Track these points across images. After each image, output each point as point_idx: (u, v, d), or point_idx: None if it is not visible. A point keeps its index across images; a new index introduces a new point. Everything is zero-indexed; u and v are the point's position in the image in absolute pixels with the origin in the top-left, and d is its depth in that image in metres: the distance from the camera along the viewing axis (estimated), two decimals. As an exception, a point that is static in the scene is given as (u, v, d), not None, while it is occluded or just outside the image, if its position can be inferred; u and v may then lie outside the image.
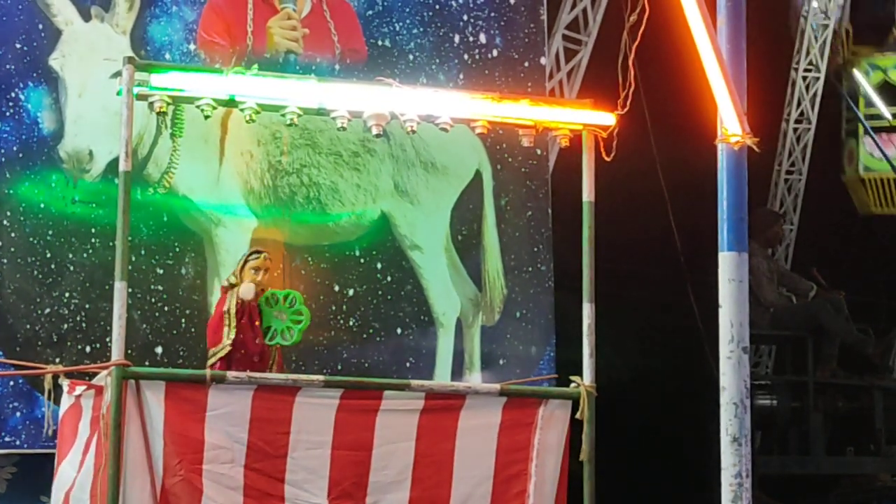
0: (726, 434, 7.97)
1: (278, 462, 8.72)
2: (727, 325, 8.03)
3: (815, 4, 16.40)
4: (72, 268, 10.05)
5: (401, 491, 8.92)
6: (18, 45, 10.07)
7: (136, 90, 8.64)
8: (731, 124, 8.07)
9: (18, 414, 9.81)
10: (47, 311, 9.96)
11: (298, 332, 9.30)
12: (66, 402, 8.92)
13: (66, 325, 9.98)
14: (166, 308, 10.33)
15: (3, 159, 9.95)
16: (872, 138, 16.92)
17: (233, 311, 9.23)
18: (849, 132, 17.73)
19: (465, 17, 11.60)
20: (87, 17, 10.31)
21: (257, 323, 9.30)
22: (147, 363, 9.87)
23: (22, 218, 9.96)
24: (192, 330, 10.35)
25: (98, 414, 8.56)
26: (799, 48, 16.44)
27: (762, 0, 10.00)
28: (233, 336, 9.22)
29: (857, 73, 17.10)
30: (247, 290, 9.23)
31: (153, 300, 10.29)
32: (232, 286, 9.34)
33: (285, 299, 9.32)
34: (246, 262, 9.39)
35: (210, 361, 9.28)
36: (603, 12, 12.91)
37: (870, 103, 17.11)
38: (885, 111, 17.14)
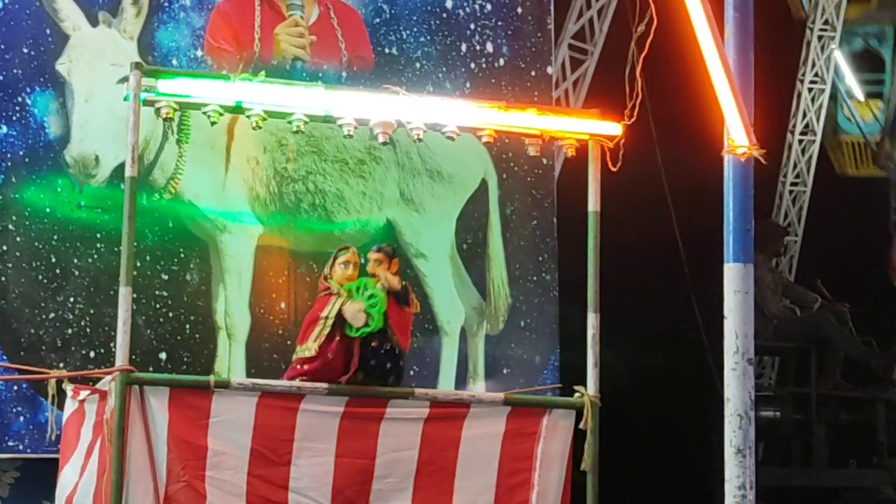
0: (730, 445, 7.97)
1: (282, 469, 8.72)
2: (732, 337, 8.03)
3: (820, 16, 16.41)
4: (77, 273, 10.05)
5: (403, 499, 8.92)
6: (26, 50, 10.08)
7: (142, 96, 8.66)
8: (737, 135, 8.08)
9: (22, 419, 9.80)
10: (52, 315, 9.96)
11: (377, 314, 9.05)
12: (69, 406, 8.94)
13: (70, 330, 9.98)
14: (171, 314, 10.33)
15: (10, 164, 9.95)
16: (847, 106, 17.06)
17: (331, 320, 9.08)
18: (829, 96, 17.78)
19: (473, 26, 11.61)
20: (94, 22, 10.31)
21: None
22: (151, 369, 9.88)
23: (27, 223, 9.96)
24: (197, 336, 10.35)
25: (101, 419, 8.58)
26: (805, 59, 16.44)
27: (768, 11, 9.99)
28: (322, 340, 9.07)
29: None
30: (355, 317, 9.05)
31: (158, 306, 10.28)
32: (328, 288, 9.19)
33: (358, 289, 9.16)
34: (335, 257, 9.29)
35: (295, 356, 9.21)
36: (609, 22, 12.93)
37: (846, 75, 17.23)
38: (857, 83, 17.32)
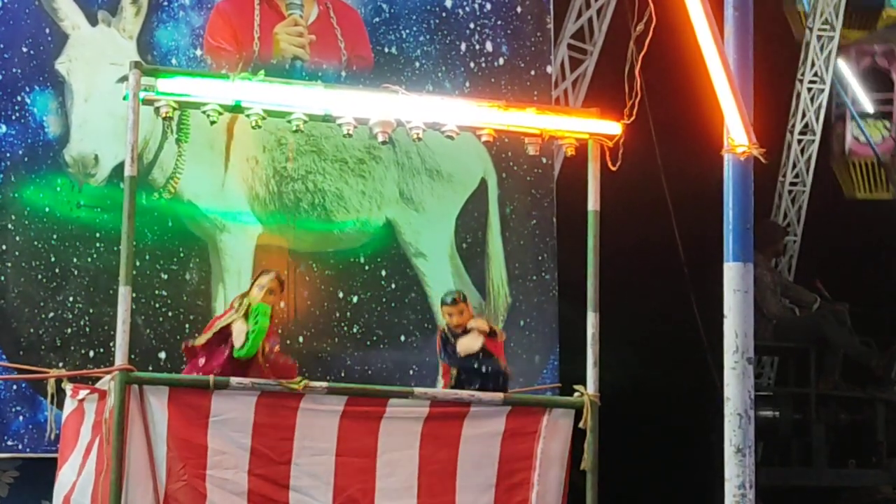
0: (730, 445, 7.97)
1: (282, 468, 8.72)
2: (732, 336, 8.03)
3: (819, 16, 16.40)
4: (76, 272, 10.05)
5: (407, 498, 8.92)
6: (25, 49, 10.07)
7: (142, 95, 8.66)
8: (737, 135, 8.08)
9: (21, 418, 9.80)
10: (51, 315, 9.95)
11: (252, 340, 8.91)
12: (68, 406, 8.93)
13: (69, 330, 9.98)
14: (170, 313, 10.32)
15: (9, 163, 9.95)
16: (858, 123, 17.10)
17: (215, 329, 9.08)
18: (837, 116, 17.85)
19: (472, 26, 11.61)
20: (93, 21, 10.31)
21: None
22: (150, 368, 9.88)
23: (27, 222, 9.95)
24: (196, 335, 10.32)
25: (101, 418, 8.57)
26: (804, 59, 16.43)
27: (767, 11, 10.00)
28: (201, 342, 9.13)
29: (845, 62, 17.22)
30: (236, 337, 8.96)
31: (157, 305, 10.28)
32: (241, 302, 9.20)
33: (253, 314, 9.01)
34: (257, 278, 9.28)
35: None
36: (608, 22, 12.93)
37: (855, 90, 17.32)
38: (868, 100, 17.36)
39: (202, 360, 9.11)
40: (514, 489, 9.14)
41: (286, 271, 10.63)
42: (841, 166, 18.04)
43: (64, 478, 8.74)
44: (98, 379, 8.87)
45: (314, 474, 8.77)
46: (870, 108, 17.74)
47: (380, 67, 11.22)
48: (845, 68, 17.38)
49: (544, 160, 11.70)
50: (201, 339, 9.15)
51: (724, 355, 8.07)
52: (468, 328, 9.48)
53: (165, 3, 10.52)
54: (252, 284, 9.28)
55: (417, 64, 11.38)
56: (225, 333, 9.08)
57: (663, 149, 13.05)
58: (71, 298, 10.02)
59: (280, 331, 10.54)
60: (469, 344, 9.41)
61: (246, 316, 9.04)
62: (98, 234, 10.10)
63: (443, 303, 9.65)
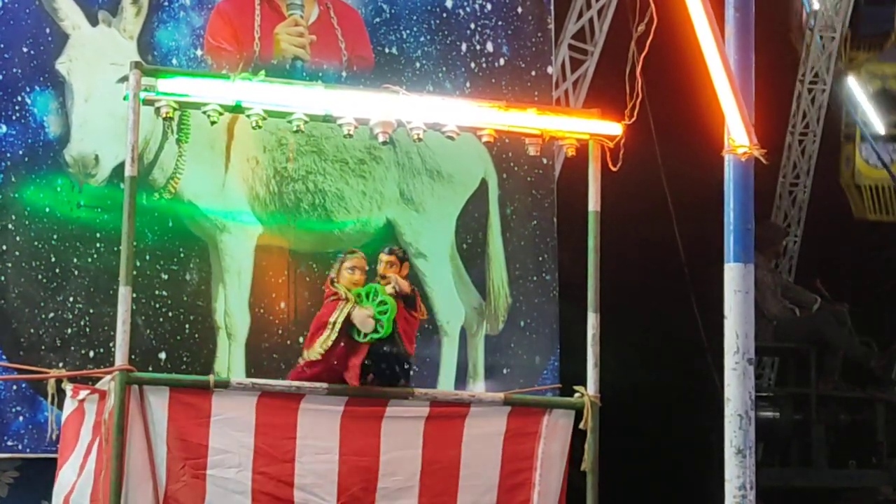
0: (731, 446, 7.96)
1: (287, 466, 8.74)
2: (732, 337, 8.02)
3: (820, 17, 16.41)
4: (76, 272, 10.04)
5: (409, 498, 8.93)
6: (25, 49, 10.06)
7: (142, 95, 8.65)
8: (738, 135, 8.06)
9: (21, 418, 9.79)
10: (51, 315, 9.95)
11: (387, 321, 9.04)
12: (68, 406, 8.93)
13: (69, 330, 9.97)
14: (170, 314, 10.32)
15: (9, 163, 9.94)
16: (872, 145, 17.05)
17: (339, 325, 9.03)
18: (847, 136, 17.83)
19: (473, 26, 11.60)
20: (94, 21, 10.30)
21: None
22: (150, 368, 9.87)
23: (27, 222, 9.95)
24: (196, 336, 10.34)
25: (101, 418, 8.57)
26: (805, 60, 16.45)
27: (767, 11, 9.99)
28: (328, 346, 9.04)
29: (856, 82, 17.19)
30: (364, 323, 9.01)
31: (157, 305, 10.27)
32: (336, 293, 9.15)
33: (367, 295, 9.14)
34: (342, 261, 9.27)
35: (302, 358, 9.22)
36: (609, 22, 12.94)
37: (866, 112, 17.27)
38: (879, 121, 17.31)
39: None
40: (516, 489, 9.16)
41: (286, 271, 10.63)
42: (851, 188, 18.02)
43: (64, 478, 8.73)
44: (98, 379, 8.87)
45: (319, 472, 8.79)
46: (881, 129, 17.53)
47: (380, 68, 11.22)
48: (856, 88, 17.25)
49: (545, 161, 11.69)
50: (328, 342, 9.02)
51: (725, 356, 8.06)
52: (388, 279, 9.32)
53: (166, 4, 10.51)
54: (339, 267, 9.22)
55: (418, 64, 11.38)
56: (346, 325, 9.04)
57: (664, 149, 13.06)
58: (71, 299, 10.01)
59: (281, 331, 10.56)
60: (361, 312, 9.29)
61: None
62: (98, 235, 10.10)
63: (381, 250, 9.55)
